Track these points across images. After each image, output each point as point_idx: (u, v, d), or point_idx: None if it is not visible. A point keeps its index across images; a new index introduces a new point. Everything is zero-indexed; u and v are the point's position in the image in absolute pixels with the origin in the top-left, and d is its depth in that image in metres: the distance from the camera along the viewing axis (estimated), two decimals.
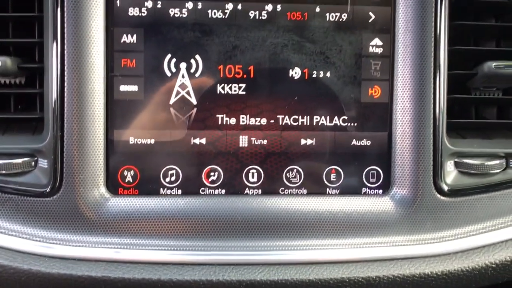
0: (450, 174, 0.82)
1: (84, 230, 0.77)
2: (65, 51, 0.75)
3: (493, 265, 0.80)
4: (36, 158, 0.76)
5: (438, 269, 0.78)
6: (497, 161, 0.82)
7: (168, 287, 0.74)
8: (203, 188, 0.81)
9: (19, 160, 0.76)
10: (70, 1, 0.74)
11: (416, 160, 0.80)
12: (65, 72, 0.75)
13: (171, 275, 0.74)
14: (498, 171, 0.83)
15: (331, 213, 0.81)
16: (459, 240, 0.82)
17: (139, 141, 0.80)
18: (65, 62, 0.75)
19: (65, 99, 0.75)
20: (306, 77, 0.81)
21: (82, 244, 0.77)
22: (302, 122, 0.81)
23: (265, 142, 0.81)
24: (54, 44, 0.75)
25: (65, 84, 0.75)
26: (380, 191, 0.83)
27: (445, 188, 0.81)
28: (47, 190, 0.76)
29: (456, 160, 0.82)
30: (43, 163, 0.76)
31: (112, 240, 0.77)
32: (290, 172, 0.82)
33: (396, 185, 0.82)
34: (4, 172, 0.75)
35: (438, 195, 0.80)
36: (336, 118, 0.82)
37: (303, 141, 0.82)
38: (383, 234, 0.82)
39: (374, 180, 0.83)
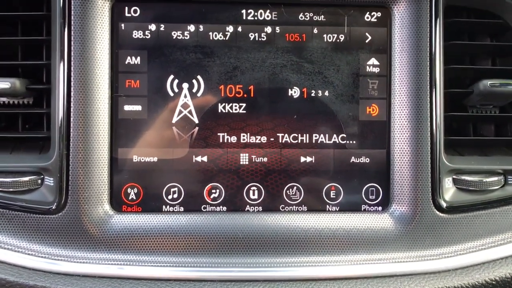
0: (449, 191, 0.83)
1: (88, 247, 0.79)
2: (72, 73, 0.78)
3: (493, 282, 0.80)
4: (42, 176, 0.79)
5: (438, 285, 0.78)
6: (495, 178, 0.83)
7: None
8: (204, 205, 0.83)
9: (26, 178, 0.78)
10: (76, 25, 0.78)
11: (414, 178, 0.81)
12: (72, 93, 0.78)
13: None
14: (496, 187, 0.83)
15: (331, 230, 0.82)
16: (459, 256, 0.82)
17: (143, 159, 0.82)
18: (72, 83, 0.78)
19: (71, 118, 0.78)
20: (305, 96, 0.83)
21: (86, 260, 0.78)
22: (302, 140, 0.83)
23: (265, 159, 0.83)
24: (61, 66, 0.78)
25: (71, 104, 0.78)
26: (380, 208, 0.84)
27: (444, 205, 0.81)
28: (53, 207, 0.78)
29: (454, 177, 0.83)
30: (49, 181, 0.78)
31: (115, 256, 0.79)
32: (290, 189, 0.84)
33: (395, 202, 0.83)
34: (11, 189, 0.78)
35: (437, 212, 0.81)
36: (335, 136, 0.84)
37: (302, 159, 0.83)
38: (383, 250, 0.82)
39: (373, 197, 0.84)
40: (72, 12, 0.78)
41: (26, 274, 0.77)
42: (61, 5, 0.78)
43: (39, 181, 0.78)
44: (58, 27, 0.78)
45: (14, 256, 0.78)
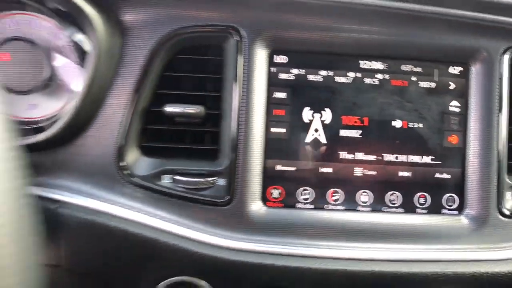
0: (509, 201, 1.11)
1: (248, 231, 1.07)
2: (239, 103, 1.07)
3: None
4: (216, 178, 1.07)
5: (506, 269, 1.07)
6: None
7: (314, 273, 1.05)
8: (327, 205, 1.12)
9: (205, 179, 1.07)
10: (245, 70, 1.06)
11: (484, 191, 1.10)
12: (238, 118, 1.07)
13: (317, 265, 1.04)
14: None
15: (421, 225, 1.10)
16: None
17: (284, 168, 1.11)
18: (238, 111, 1.07)
19: (238, 137, 1.07)
20: (405, 127, 1.12)
21: (247, 240, 1.06)
22: (401, 160, 1.12)
23: (374, 173, 1.12)
24: (233, 97, 1.07)
25: (238, 126, 1.06)
26: (456, 212, 1.13)
27: (506, 212, 1.09)
28: (224, 201, 1.06)
29: None
30: (221, 182, 1.07)
31: (266, 239, 1.07)
32: (391, 196, 1.12)
33: (468, 208, 1.11)
34: (195, 187, 1.06)
35: (501, 217, 1.09)
36: (425, 157, 1.13)
37: (401, 173, 1.12)
38: (457, 243, 1.10)
39: (451, 203, 1.13)
40: (243, 61, 1.06)
41: (203, 246, 1.04)
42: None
43: (214, 181, 1.07)
44: (232, 69, 1.07)
45: (196, 234, 1.05)
